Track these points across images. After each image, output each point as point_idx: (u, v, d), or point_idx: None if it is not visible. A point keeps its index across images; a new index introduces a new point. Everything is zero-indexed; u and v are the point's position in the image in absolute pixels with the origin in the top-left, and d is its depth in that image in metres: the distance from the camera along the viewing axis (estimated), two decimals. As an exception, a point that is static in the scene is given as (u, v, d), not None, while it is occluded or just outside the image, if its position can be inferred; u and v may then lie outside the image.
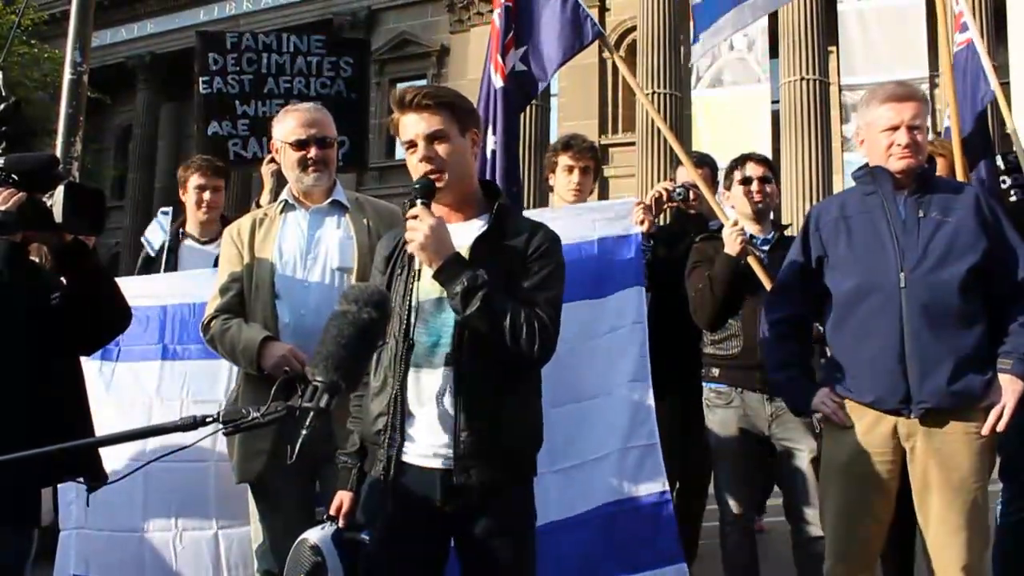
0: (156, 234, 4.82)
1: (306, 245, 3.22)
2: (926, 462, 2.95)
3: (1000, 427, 2.92)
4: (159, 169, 25.83)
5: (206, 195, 4.56)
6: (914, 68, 14.00)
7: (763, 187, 3.95)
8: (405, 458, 2.45)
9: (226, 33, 5.41)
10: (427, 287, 2.48)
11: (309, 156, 3.24)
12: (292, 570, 2.52)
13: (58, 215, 2.50)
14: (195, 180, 4.57)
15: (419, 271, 2.50)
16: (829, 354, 3.26)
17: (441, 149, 2.47)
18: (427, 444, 2.44)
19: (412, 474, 2.44)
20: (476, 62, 18.27)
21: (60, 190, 2.51)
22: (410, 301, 2.49)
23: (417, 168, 2.48)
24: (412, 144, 2.49)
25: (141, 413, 3.79)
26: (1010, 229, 3.06)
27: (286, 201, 3.32)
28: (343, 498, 2.60)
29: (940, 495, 2.93)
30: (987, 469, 3.03)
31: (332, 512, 2.60)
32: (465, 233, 2.49)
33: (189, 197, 4.59)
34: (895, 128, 3.06)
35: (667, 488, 3.59)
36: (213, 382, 3.73)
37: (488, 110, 4.50)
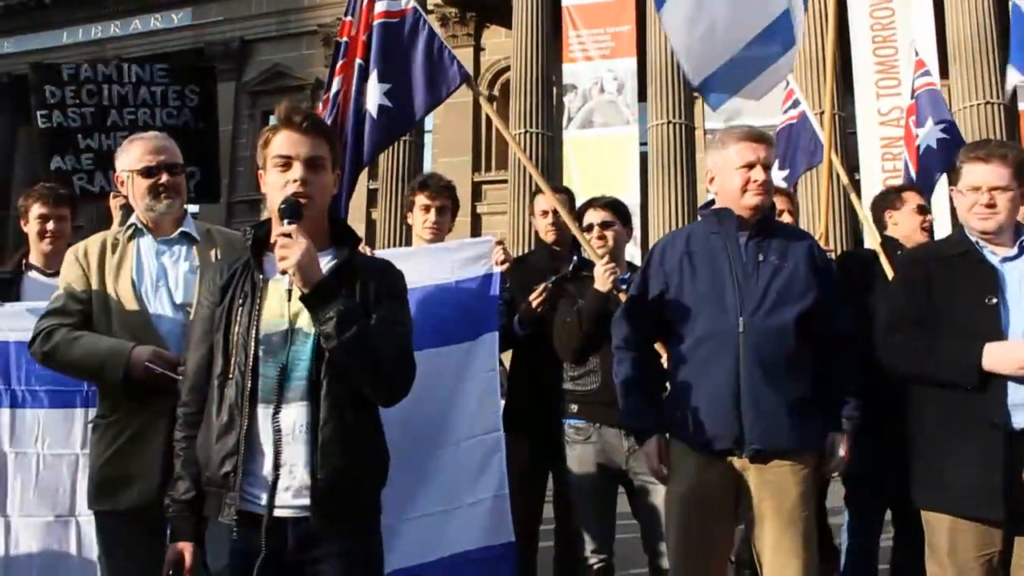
0: None
1: (152, 277, 3.09)
2: (759, 495, 3.07)
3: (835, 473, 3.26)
4: (15, 195, 24.54)
5: (50, 225, 4.31)
6: (769, 116, 14.68)
7: (603, 232, 4.00)
8: (257, 501, 2.30)
9: (62, 65, 5.09)
10: (273, 319, 2.38)
11: (160, 183, 3.13)
12: None
13: None
14: (37, 209, 4.31)
15: (262, 302, 2.39)
16: (669, 391, 3.33)
17: (316, 176, 2.42)
18: (279, 486, 2.29)
19: (263, 520, 2.28)
20: (350, 96, 18.22)
21: None
22: (256, 333, 2.36)
23: (286, 187, 2.39)
24: (287, 161, 2.42)
25: None
26: (836, 282, 3.25)
27: (135, 226, 3.17)
28: (183, 550, 2.41)
29: (773, 524, 3.06)
30: (814, 497, 3.18)
31: (171, 567, 2.39)
32: None
33: (31, 227, 4.34)
34: (751, 166, 3.13)
35: (513, 539, 3.54)
36: (68, 431, 3.54)
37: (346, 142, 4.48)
